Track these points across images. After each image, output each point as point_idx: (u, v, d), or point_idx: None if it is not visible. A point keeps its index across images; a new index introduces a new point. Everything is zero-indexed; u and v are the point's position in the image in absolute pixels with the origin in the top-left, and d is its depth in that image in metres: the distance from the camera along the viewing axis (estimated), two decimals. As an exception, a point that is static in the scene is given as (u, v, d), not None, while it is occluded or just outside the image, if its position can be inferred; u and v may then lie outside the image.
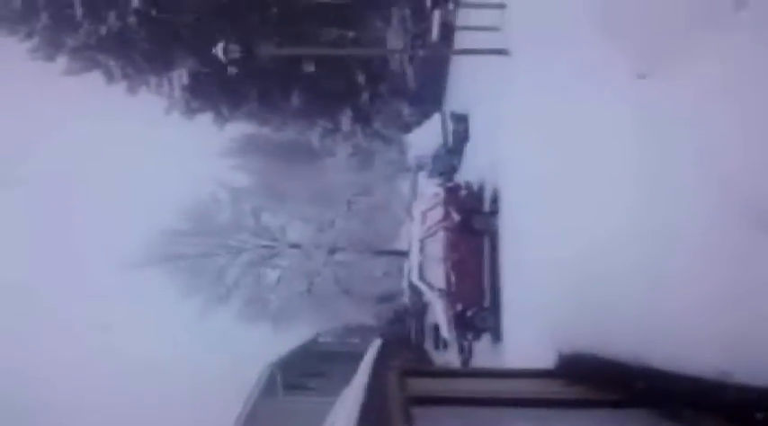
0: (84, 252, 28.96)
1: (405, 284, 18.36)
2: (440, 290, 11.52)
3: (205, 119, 22.33)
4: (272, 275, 22.47)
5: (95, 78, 21.64)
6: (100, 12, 19.58)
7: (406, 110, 20.44)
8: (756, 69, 4.56)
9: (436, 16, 16.00)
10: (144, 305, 26.62)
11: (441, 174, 16.19)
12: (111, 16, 19.58)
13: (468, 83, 15.37)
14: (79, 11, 19.49)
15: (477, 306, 10.97)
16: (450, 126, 16.07)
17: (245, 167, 23.16)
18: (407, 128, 20.43)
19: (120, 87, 21.63)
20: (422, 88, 19.63)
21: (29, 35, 20.86)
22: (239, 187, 22.66)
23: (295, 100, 20.83)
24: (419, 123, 19.17)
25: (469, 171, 14.29)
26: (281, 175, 21.99)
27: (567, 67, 8.42)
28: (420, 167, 18.04)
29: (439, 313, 12.18)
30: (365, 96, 20.82)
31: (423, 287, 12.74)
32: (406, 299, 19.94)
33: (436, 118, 17.38)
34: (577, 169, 7.92)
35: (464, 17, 14.54)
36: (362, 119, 21.12)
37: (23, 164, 29.83)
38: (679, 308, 4.94)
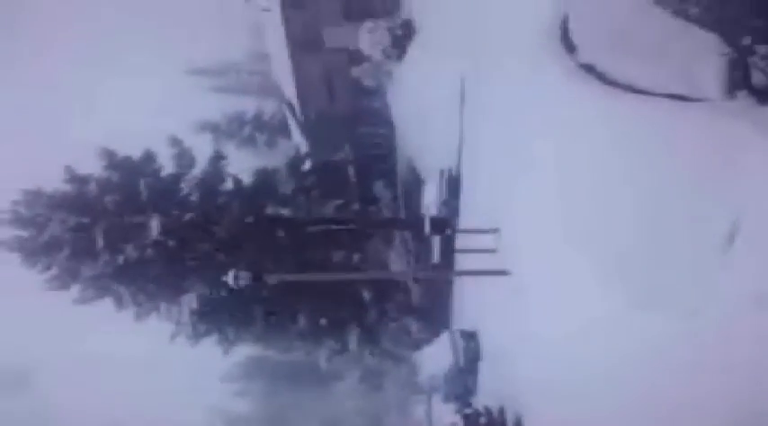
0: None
1: None
2: None
3: (209, 343, 21.83)
4: None
5: (105, 305, 21.70)
6: (119, 242, 20.43)
7: (414, 327, 20.14)
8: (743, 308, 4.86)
9: (436, 240, 16.81)
10: None
11: (456, 398, 15.19)
12: (130, 246, 20.41)
13: (474, 300, 15.42)
14: (100, 242, 20.35)
15: None
16: (461, 344, 15.66)
17: (248, 393, 21.93)
18: (417, 345, 19.93)
19: (128, 313, 21.59)
20: (428, 305, 19.69)
21: (48, 267, 21.52)
22: (240, 416, 21.07)
23: (301, 320, 20.68)
24: (429, 341, 18.75)
25: (487, 393, 13.47)
26: (286, 402, 20.64)
27: (567, 295, 8.65)
28: (434, 389, 17.04)
29: None
30: (372, 315, 20.71)
31: None
32: None
33: (446, 336, 17.04)
34: (599, 393, 7.69)
35: (462, 240, 15.24)
36: (370, 338, 20.70)
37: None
38: None
